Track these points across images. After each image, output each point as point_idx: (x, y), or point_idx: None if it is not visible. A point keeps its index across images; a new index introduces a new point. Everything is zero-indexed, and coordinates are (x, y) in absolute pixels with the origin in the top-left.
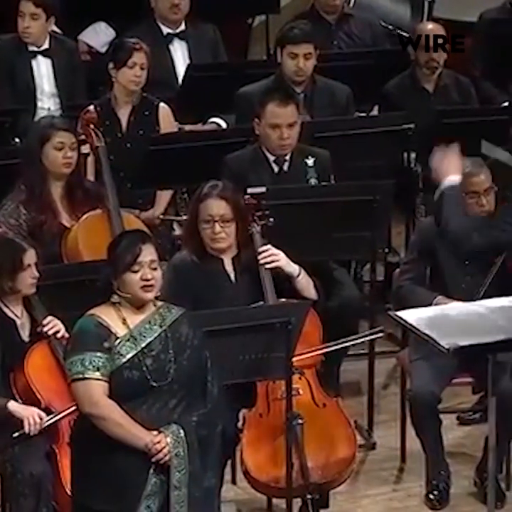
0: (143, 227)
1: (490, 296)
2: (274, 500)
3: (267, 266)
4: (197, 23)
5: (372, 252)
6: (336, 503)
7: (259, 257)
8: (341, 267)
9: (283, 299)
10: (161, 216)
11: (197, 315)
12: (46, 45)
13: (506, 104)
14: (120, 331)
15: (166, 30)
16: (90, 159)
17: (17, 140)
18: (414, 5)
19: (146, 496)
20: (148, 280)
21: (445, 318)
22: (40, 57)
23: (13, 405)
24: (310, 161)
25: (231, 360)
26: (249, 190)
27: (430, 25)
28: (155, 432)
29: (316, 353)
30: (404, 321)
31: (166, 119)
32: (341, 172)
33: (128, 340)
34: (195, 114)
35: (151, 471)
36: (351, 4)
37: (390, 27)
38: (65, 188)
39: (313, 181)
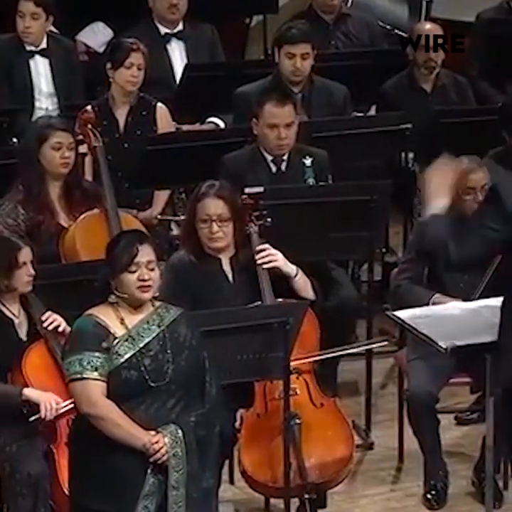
0: (141, 227)
1: (487, 296)
2: (272, 500)
3: (265, 266)
4: (195, 23)
5: (370, 252)
6: (333, 503)
7: (257, 257)
8: (339, 266)
9: (280, 299)
10: (159, 216)
11: (195, 315)
12: (44, 45)
13: None
14: (118, 331)
15: (163, 30)
16: (88, 159)
17: (15, 140)
18: (412, 5)
19: (143, 496)
20: (145, 280)
21: (443, 318)
22: (37, 56)
23: (28, 390)
24: (308, 161)
25: (229, 360)
26: (246, 190)
27: (428, 25)
28: (153, 432)
29: (320, 357)
30: (402, 320)
31: (164, 119)
32: (339, 172)
33: (126, 340)
34: (192, 114)
35: (149, 471)
36: (349, 4)
37: (388, 27)
38: (63, 188)
39: (310, 181)
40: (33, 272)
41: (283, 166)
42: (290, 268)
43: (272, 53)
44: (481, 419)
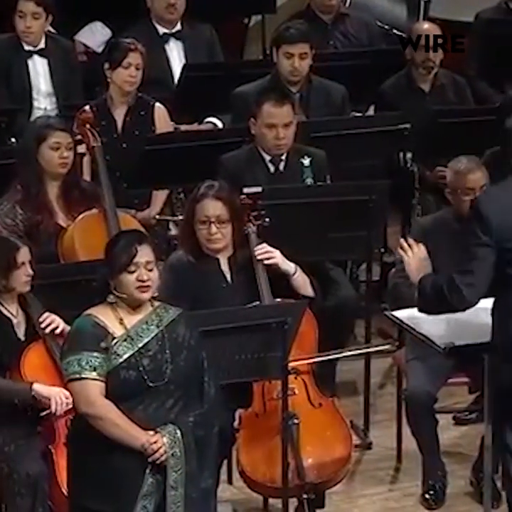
0: (139, 227)
1: (484, 297)
2: (270, 500)
3: (265, 262)
4: (193, 23)
5: (369, 252)
6: (331, 502)
7: (256, 253)
8: (337, 266)
9: (279, 299)
10: (157, 216)
11: (193, 315)
12: (42, 45)
13: None
14: (117, 331)
15: (162, 30)
16: (86, 159)
17: (13, 140)
18: (410, 5)
19: (142, 496)
20: (144, 281)
21: (441, 318)
22: (36, 56)
23: (38, 386)
24: (306, 161)
25: (227, 360)
26: (245, 190)
27: (426, 25)
28: (151, 432)
29: (320, 359)
30: (401, 320)
31: (162, 119)
32: (337, 172)
33: (125, 340)
34: (191, 114)
35: (148, 471)
36: (347, 4)
37: (386, 27)
38: (61, 188)
39: (309, 181)
40: (31, 272)
41: (281, 166)
42: (288, 266)
43: (270, 53)
44: (480, 419)
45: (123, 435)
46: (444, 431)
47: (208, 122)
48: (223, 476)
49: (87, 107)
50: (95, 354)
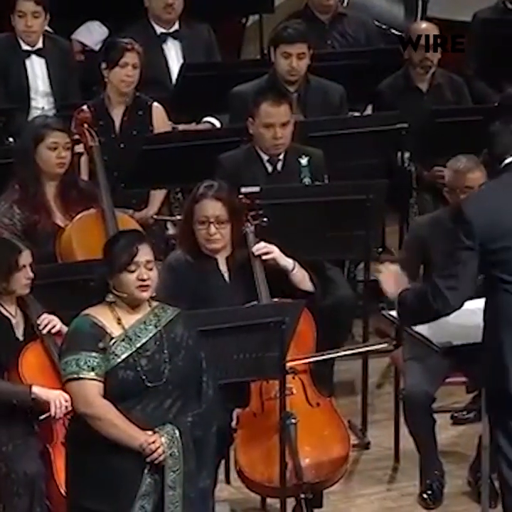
0: (137, 227)
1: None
2: (268, 500)
3: (263, 257)
4: (191, 23)
5: (366, 252)
6: (329, 502)
7: (254, 249)
8: (335, 266)
9: (276, 299)
10: (155, 216)
11: (191, 314)
12: (40, 45)
13: None
14: (115, 331)
15: (159, 29)
16: (84, 159)
17: (11, 139)
18: (407, 4)
19: (140, 495)
20: (144, 280)
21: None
22: (33, 56)
23: (37, 389)
24: (304, 161)
25: (225, 359)
26: (243, 190)
27: (424, 25)
28: (150, 432)
29: (318, 359)
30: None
31: (160, 119)
32: (335, 171)
33: (123, 340)
34: (188, 114)
35: (146, 471)
36: (345, 4)
37: (384, 26)
38: (59, 187)
39: (306, 181)
40: (31, 275)
41: (279, 166)
42: (287, 262)
43: (268, 53)
44: (477, 418)
45: (121, 435)
46: (442, 430)
47: (205, 122)
48: (221, 476)
49: (84, 107)
50: (93, 354)
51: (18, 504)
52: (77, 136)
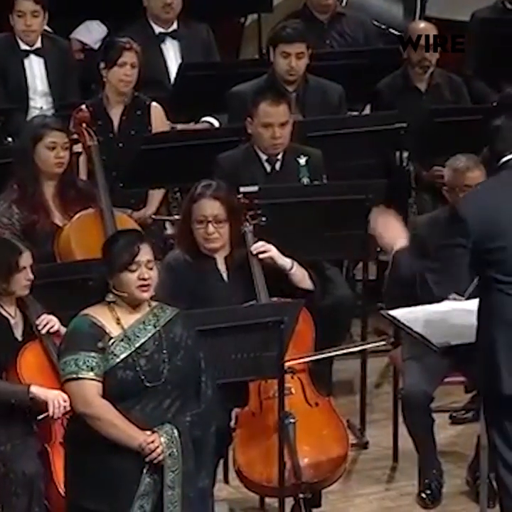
0: (135, 227)
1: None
2: (267, 500)
3: (260, 256)
4: (189, 23)
5: (365, 251)
6: (328, 502)
7: (252, 248)
8: (334, 266)
9: (275, 298)
10: (153, 216)
11: (189, 314)
12: (38, 44)
13: None
14: (114, 331)
15: (158, 29)
16: (82, 158)
17: (9, 139)
18: (406, 4)
19: (139, 495)
20: (145, 279)
21: (437, 317)
22: (32, 56)
23: (35, 388)
24: (302, 160)
25: (224, 359)
26: (241, 190)
27: (423, 25)
28: (149, 432)
29: (316, 358)
30: (397, 319)
31: (158, 119)
32: (333, 171)
33: (122, 340)
34: (187, 114)
35: (145, 470)
36: (344, 3)
37: (383, 26)
38: (58, 187)
39: (305, 180)
40: (31, 276)
41: (277, 166)
42: (284, 261)
43: (266, 52)
44: (476, 418)
45: (120, 435)
46: (441, 430)
47: (204, 122)
48: (220, 476)
49: (83, 107)
50: (92, 354)
51: (17, 504)
52: (75, 136)
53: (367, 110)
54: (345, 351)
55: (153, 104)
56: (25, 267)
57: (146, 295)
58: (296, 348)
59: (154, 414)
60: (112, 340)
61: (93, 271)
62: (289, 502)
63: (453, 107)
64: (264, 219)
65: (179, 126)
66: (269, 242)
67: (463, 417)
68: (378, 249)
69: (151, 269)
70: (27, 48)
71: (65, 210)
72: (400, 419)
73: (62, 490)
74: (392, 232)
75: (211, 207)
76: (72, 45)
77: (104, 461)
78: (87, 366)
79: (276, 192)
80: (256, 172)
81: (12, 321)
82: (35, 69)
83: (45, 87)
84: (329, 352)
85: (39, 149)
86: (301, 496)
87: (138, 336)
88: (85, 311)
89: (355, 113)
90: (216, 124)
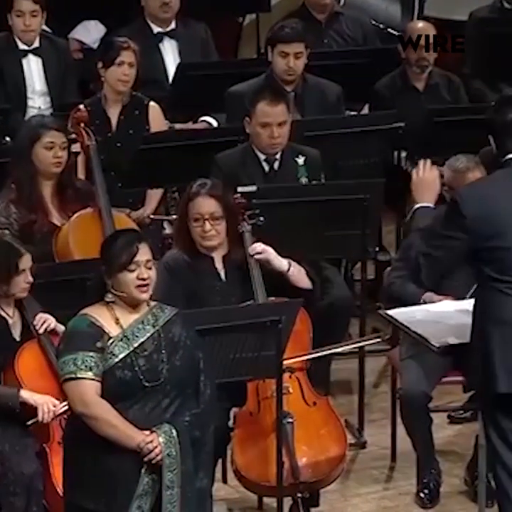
0: (134, 227)
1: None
2: (265, 499)
3: (256, 257)
4: (187, 22)
5: (363, 251)
6: (326, 501)
7: (249, 249)
8: (332, 266)
9: (273, 298)
10: (152, 215)
11: (187, 313)
12: (36, 44)
13: None
14: (113, 330)
15: (156, 29)
16: (81, 158)
17: (7, 139)
18: (404, 4)
19: (138, 495)
20: (144, 279)
21: (436, 317)
22: (30, 55)
23: (25, 393)
24: (300, 160)
25: (221, 358)
26: (239, 189)
27: (421, 24)
28: (147, 432)
29: (312, 356)
30: (395, 319)
31: (157, 118)
32: (332, 171)
33: (121, 340)
34: (185, 113)
35: (143, 470)
36: (342, 3)
37: (381, 26)
38: (56, 187)
39: (303, 180)
40: (31, 279)
41: (276, 165)
42: (281, 262)
43: (265, 52)
44: (474, 417)
45: (119, 435)
46: (439, 430)
47: (202, 121)
48: (218, 475)
49: (81, 106)
50: (91, 354)
51: (15, 504)
52: (73, 136)
53: (365, 110)
54: (341, 349)
55: (152, 103)
56: (24, 270)
57: (145, 295)
58: (293, 347)
59: (153, 414)
60: (111, 340)
61: (92, 271)
62: (287, 502)
63: (451, 106)
64: (262, 219)
65: (177, 126)
66: (267, 243)
67: (461, 417)
68: (377, 248)
69: (149, 268)
70: (25, 47)
71: (63, 209)
72: (398, 418)
73: (60, 490)
74: (425, 188)
75: (207, 205)
76: (71, 45)
77: (102, 461)
78: (86, 366)
79: (274, 192)
80: (254, 172)
81: (10, 321)
82: (34, 69)
83: (43, 86)
84: (326, 350)
85: (37, 149)
86: (299, 495)
87: (137, 336)
88: (84, 311)
89: (354, 113)
90: (214, 123)
